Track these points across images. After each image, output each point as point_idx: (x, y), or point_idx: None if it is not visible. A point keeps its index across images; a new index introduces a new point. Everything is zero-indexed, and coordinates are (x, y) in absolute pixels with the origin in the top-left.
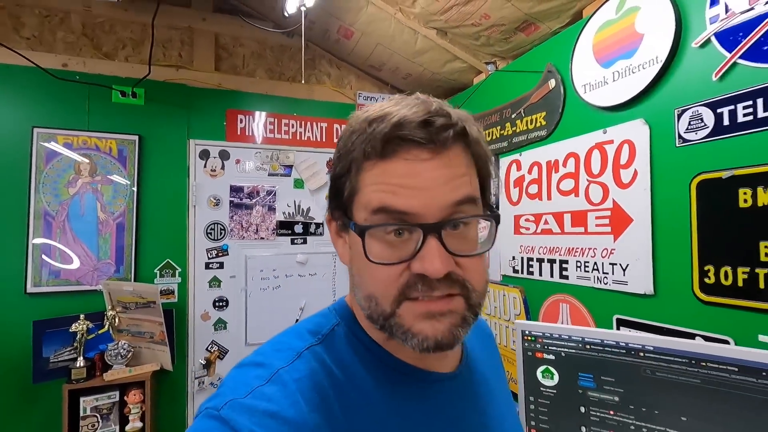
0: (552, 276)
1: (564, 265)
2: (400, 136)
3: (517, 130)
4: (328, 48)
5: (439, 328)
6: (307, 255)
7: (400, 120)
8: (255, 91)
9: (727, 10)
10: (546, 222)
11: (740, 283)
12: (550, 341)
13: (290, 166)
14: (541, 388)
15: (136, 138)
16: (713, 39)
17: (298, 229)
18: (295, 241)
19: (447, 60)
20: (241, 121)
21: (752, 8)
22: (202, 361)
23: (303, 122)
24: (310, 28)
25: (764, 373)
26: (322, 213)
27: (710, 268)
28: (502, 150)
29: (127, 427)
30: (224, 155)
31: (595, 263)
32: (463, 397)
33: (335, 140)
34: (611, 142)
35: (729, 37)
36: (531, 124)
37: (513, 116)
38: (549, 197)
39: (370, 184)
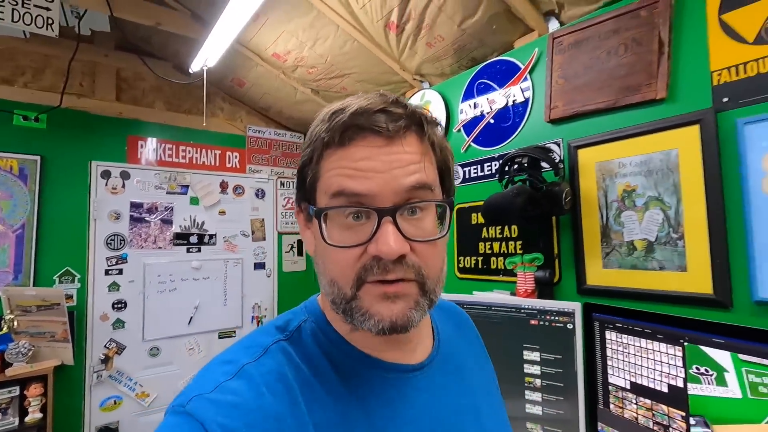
0: None
1: None
2: (357, 124)
3: None
4: (223, 89)
5: (394, 309)
6: (201, 261)
7: (357, 109)
8: (154, 120)
9: (462, 114)
10: None
11: (472, 265)
12: None
13: (187, 186)
14: None
15: (38, 158)
16: (462, 128)
17: (194, 239)
18: (191, 249)
19: (319, 108)
20: (141, 146)
21: (478, 115)
22: (101, 357)
23: (198, 149)
24: (209, 73)
25: (492, 308)
26: (215, 226)
27: (462, 258)
28: None
29: (27, 419)
30: (125, 175)
31: None
32: (430, 388)
33: (228, 165)
34: None
35: (467, 129)
36: None
37: None
38: None
39: (329, 170)
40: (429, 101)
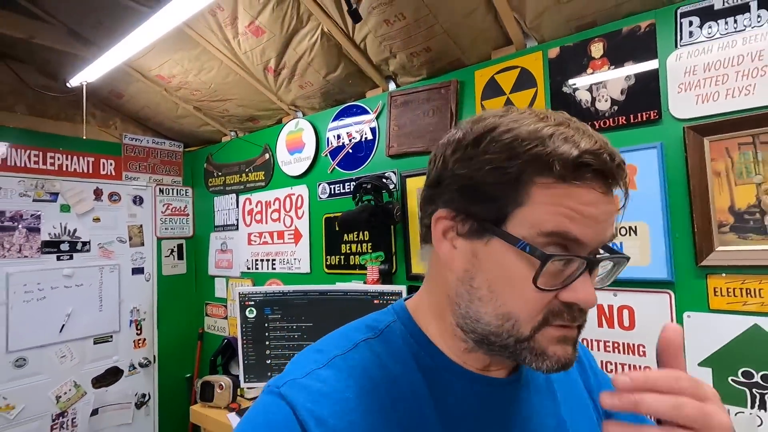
0: (268, 269)
1: (273, 262)
2: (589, 164)
3: (249, 179)
4: (98, 97)
5: (568, 350)
6: (73, 269)
7: (589, 146)
8: (18, 125)
9: (329, 142)
10: (264, 237)
11: (336, 262)
12: (251, 295)
13: (56, 193)
14: (248, 320)
15: None
16: (329, 154)
17: (65, 247)
18: (61, 257)
19: (201, 124)
20: (2, 153)
21: (341, 144)
22: None
23: (69, 155)
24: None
25: (348, 293)
26: (89, 233)
27: (328, 257)
28: (241, 190)
29: None
30: None
31: (288, 259)
32: (518, 402)
33: (102, 172)
34: (294, 194)
35: (332, 154)
36: (256, 177)
37: (246, 170)
38: (266, 222)
39: (545, 203)
40: (302, 128)
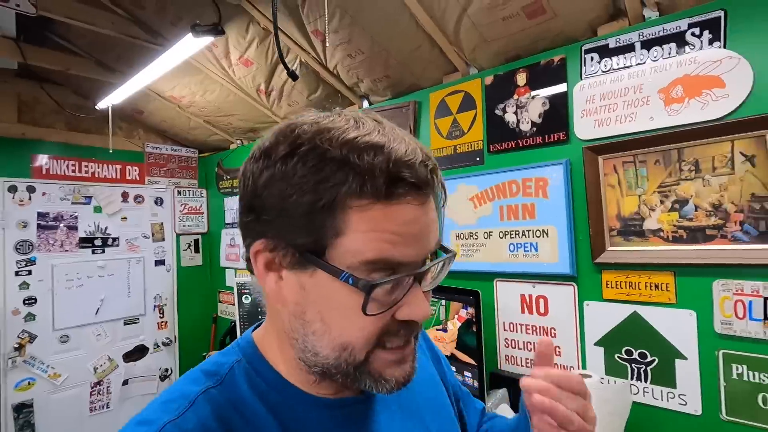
0: None
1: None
2: (404, 178)
3: None
4: (121, 115)
5: (407, 369)
6: (105, 261)
7: (400, 158)
8: (56, 140)
9: None
10: None
11: None
12: (246, 285)
13: (90, 197)
14: (244, 305)
15: None
16: None
17: (98, 242)
18: (95, 251)
19: (211, 134)
20: (45, 163)
21: None
22: (15, 345)
23: (100, 164)
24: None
25: None
26: (118, 230)
27: None
28: None
29: None
30: (31, 189)
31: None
32: (377, 415)
33: (128, 177)
34: None
35: None
36: None
37: None
38: None
39: (363, 231)
40: None
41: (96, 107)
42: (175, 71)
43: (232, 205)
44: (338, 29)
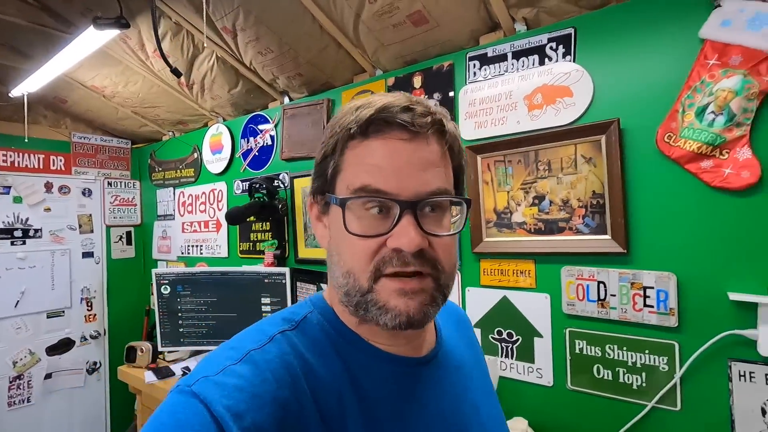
0: (197, 253)
1: (201, 248)
2: (383, 118)
3: (183, 175)
4: (44, 103)
5: (411, 304)
6: (26, 253)
7: (384, 105)
8: None
9: (242, 145)
10: (194, 226)
11: (247, 249)
12: (166, 275)
13: (9, 187)
14: (163, 295)
15: None
16: (242, 155)
17: (18, 233)
18: (15, 243)
19: (141, 125)
20: None
21: (250, 147)
22: None
23: (20, 153)
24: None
25: (244, 274)
26: (40, 221)
27: (242, 244)
28: (176, 184)
29: None
30: None
31: (212, 245)
32: (434, 382)
33: (53, 167)
34: (216, 189)
35: (244, 156)
36: (188, 173)
37: (180, 166)
38: (195, 213)
39: (352, 165)
40: (221, 132)
41: (10, 95)
42: (93, 61)
43: (163, 197)
44: (245, 27)
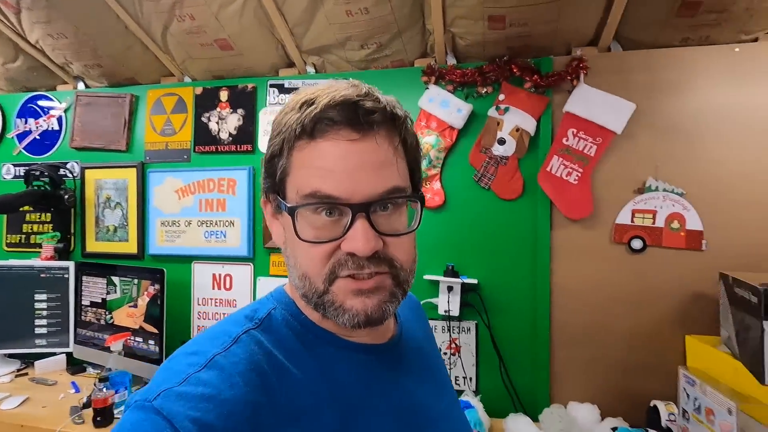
0: None
1: None
2: (329, 117)
3: None
4: None
5: (368, 303)
6: None
7: (330, 101)
8: None
9: (17, 125)
10: None
11: (18, 241)
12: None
13: None
14: None
15: None
16: (16, 136)
17: None
18: None
19: None
20: None
21: (28, 129)
22: None
23: None
24: None
25: (12, 268)
26: None
27: (9, 236)
28: None
29: None
30: None
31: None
32: (399, 366)
33: None
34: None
35: (19, 138)
36: None
37: None
38: None
39: (300, 167)
40: None
41: None
42: None
43: None
44: (32, 8)
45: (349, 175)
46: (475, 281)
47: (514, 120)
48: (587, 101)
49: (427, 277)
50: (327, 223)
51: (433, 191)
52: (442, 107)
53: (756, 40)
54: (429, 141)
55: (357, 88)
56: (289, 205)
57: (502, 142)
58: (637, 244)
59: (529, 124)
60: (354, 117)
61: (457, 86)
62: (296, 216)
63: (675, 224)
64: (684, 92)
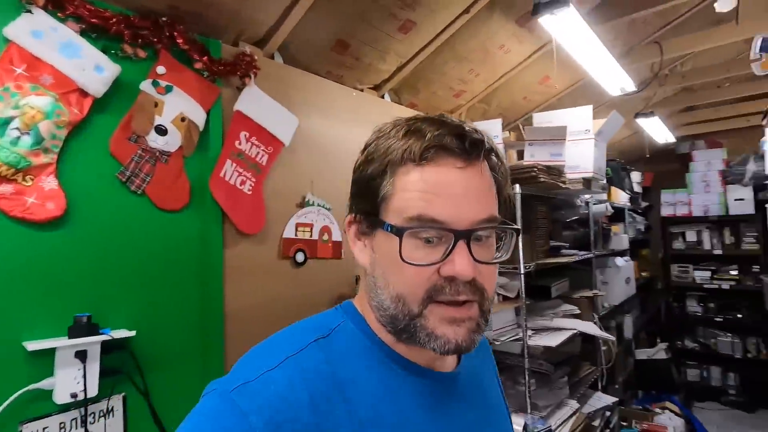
0: None
1: None
2: (438, 145)
3: None
4: None
5: (459, 332)
6: None
7: (438, 130)
8: None
9: None
10: None
11: None
12: None
13: None
14: None
15: None
16: None
17: None
18: None
19: None
20: None
21: None
22: None
23: None
24: None
25: None
26: None
27: None
28: None
29: None
30: None
31: None
32: (461, 395)
33: None
34: None
35: None
36: None
37: None
38: None
39: (405, 190)
40: None
41: None
42: None
43: None
44: None
45: (453, 200)
46: (130, 333)
47: (179, 105)
48: (259, 105)
49: (32, 345)
50: (428, 247)
51: (41, 192)
52: (63, 54)
53: (363, 90)
54: (38, 104)
55: (458, 122)
56: (396, 226)
57: (162, 131)
58: (300, 257)
59: (198, 116)
60: (462, 146)
61: (88, 29)
62: (403, 238)
63: (325, 236)
64: (329, 118)
